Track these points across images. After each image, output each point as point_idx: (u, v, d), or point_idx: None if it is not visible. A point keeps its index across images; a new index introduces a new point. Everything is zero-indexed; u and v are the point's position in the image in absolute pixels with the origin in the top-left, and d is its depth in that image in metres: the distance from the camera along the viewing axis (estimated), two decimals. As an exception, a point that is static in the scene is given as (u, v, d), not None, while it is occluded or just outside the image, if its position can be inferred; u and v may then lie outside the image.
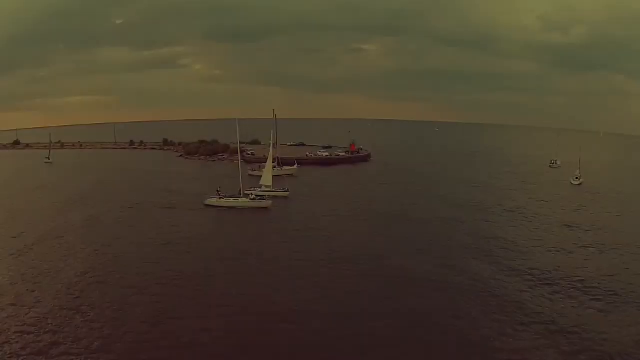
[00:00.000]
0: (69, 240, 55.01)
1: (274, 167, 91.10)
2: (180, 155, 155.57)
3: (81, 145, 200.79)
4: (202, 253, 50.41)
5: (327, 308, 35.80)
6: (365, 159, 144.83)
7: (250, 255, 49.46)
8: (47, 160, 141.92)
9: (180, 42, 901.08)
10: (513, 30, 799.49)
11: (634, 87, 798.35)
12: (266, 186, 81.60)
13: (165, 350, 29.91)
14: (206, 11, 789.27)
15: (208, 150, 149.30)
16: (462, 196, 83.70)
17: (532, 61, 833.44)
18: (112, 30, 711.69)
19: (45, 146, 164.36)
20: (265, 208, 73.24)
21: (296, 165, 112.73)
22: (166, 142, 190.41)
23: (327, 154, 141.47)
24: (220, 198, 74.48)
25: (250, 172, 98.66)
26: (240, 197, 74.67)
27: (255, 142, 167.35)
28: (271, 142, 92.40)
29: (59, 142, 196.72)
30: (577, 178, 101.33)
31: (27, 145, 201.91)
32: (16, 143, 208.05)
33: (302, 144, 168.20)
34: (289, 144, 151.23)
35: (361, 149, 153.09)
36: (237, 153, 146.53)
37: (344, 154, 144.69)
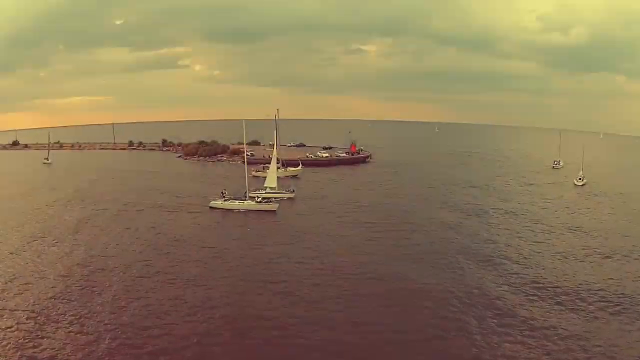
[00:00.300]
0: (59, 243, 54.25)
1: (278, 168, 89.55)
2: (179, 156, 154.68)
3: (80, 146, 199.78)
4: (207, 260, 48.26)
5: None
6: (366, 159, 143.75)
7: (257, 265, 46.57)
8: (45, 160, 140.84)
9: (180, 42, 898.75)
10: (513, 31, 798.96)
11: (635, 88, 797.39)
12: (271, 187, 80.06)
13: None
14: (206, 12, 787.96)
15: (207, 150, 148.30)
16: (465, 198, 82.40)
17: (533, 62, 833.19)
18: (111, 30, 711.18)
19: (44, 146, 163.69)
20: (272, 211, 71.25)
21: (300, 166, 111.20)
22: (165, 143, 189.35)
23: (327, 154, 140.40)
24: (225, 200, 72.89)
25: (254, 173, 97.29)
26: (245, 200, 72.99)
27: (255, 143, 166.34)
28: (275, 143, 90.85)
29: (58, 142, 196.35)
30: (580, 179, 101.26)
31: (26, 146, 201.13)
32: (15, 143, 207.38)
33: (302, 145, 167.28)
34: (288, 144, 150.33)
35: (362, 150, 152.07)
36: (237, 154, 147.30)
37: (344, 154, 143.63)
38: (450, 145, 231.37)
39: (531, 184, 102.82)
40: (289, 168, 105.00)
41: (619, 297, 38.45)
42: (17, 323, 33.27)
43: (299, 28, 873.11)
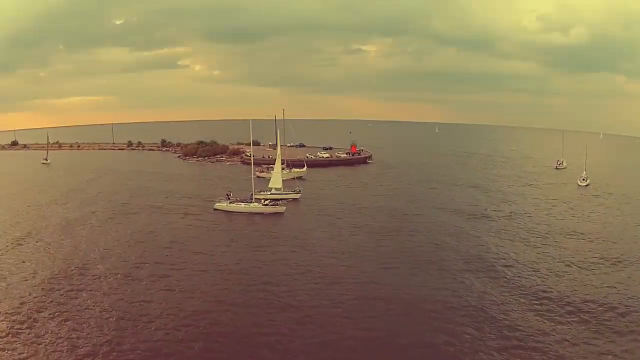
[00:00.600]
0: (49, 244, 53.65)
1: (283, 169, 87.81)
2: (179, 156, 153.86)
3: (79, 146, 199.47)
4: (210, 266, 46.32)
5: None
6: (367, 160, 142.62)
7: (261, 275, 43.54)
8: (44, 161, 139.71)
9: (180, 42, 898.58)
10: (513, 31, 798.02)
11: (634, 88, 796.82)
12: (276, 189, 78.64)
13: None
14: (206, 12, 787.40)
15: (206, 151, 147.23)
16: (467, 201, 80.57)
17: (532, 62, 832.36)
18: (112, 30, 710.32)
19: (43, 147, 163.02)
20: (280, 213, 69.62)
21: (305, 167, 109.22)
22: (164, 143, 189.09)
23: (327, 155, 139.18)
24: (230, 202, 71.07)
25: (258, 174, 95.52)
26: (252, 202, 71.08)
27: (255, 143, 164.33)
28: (278, 143, 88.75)
29: (57, 142, 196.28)
30: (583, 179, 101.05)
31: (25, 146, 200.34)
32: (14, 144, 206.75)
33: (302, 145, 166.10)
34: (288, 145, 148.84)
35: (362, 150, 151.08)
36: (237, 154, 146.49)
37: (344, 155, 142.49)
38: (451, 145, 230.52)
39: (535, 186, 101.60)
40: (293, 169, 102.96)
41: (629, 309, 36.02)
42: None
43: (298, 28, 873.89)
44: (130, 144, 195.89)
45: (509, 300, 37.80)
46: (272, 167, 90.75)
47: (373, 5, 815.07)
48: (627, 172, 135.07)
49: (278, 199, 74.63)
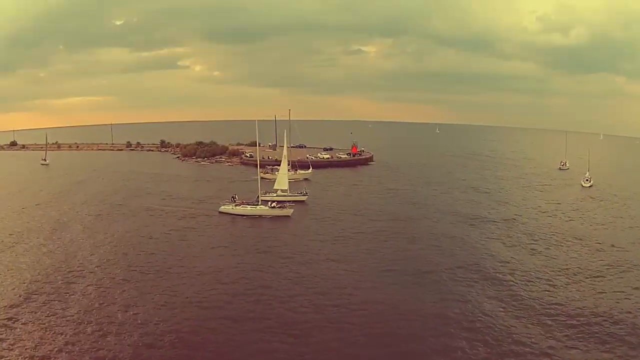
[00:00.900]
0: (37, 245, 52.86)
1: (288, 170, 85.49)
2: (177, 157, 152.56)
3: (77, 147, 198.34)
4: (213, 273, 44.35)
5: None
6: (368, 161, 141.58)
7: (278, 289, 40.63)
8: (43, 161, 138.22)
9: (180, 43, 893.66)
10: (513, 32, 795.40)
11: (634, 89, 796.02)
12: (282, 190, 76.80)
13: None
14: (206, 12, 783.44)
15: (205, 151, 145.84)
16: (470, 205, 78.63)
17: (533, 62, 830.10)
18: (111, 31, 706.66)
19: (42, 147, 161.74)
20: (287, 216, 67.63)
21: (311, 168, 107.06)
22: (163, 144, 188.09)
23: (328, 156, 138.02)
24: (236, 205, 69.14)
25: (262, 175, 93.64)
26: (258, 205, 69.09)
27: (254, 144, 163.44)
28: (285, 144, 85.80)
29: (56, 143, 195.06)
30: (587, 180, 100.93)
31: (24, 147, 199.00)
32: (13, 144, 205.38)
33: (303, 146, 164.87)
34: (288, 145, 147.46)
35: (363, 151, 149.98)
36: (236, 155, 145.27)
37: (345, 156, 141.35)
38: (452, 146, 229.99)
39: (539, 187, 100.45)
40: (299, 170, 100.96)
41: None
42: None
43: (298, 28, 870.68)
44: (129, 144, 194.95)
45: (511, 314, 35.42)
46: (276, 168, 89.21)
47: (373, 6, 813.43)
48: (630, 173, 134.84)
49: (285, 201, 72.52)
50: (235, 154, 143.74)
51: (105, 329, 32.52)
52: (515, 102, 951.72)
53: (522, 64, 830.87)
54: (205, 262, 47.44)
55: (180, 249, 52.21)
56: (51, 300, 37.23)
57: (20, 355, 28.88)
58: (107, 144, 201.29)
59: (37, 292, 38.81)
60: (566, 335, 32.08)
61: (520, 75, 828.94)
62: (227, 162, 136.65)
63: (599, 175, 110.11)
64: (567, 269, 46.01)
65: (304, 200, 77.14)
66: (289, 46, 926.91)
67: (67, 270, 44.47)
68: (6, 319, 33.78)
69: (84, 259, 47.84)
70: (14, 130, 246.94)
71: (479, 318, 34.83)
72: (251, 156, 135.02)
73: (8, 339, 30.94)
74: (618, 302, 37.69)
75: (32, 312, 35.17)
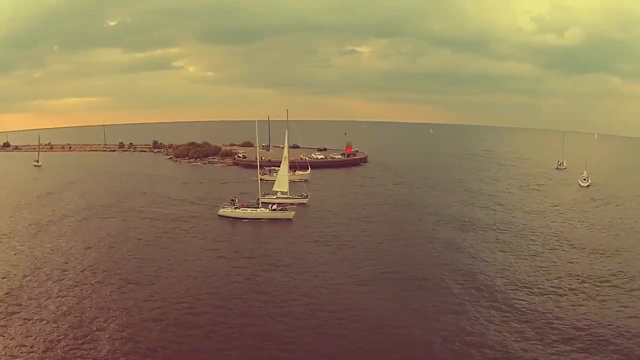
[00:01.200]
0: (33, 248, 50.97)
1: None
2: (170, 158, 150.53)
3: (70, 147, 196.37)
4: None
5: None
6: (363, 162, 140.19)
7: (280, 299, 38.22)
8: (35, 163, 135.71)
9: (174, 43, 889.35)
10: (508, 32, 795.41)
11: (630, 89, 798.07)
12: (282, 192, 74.45)
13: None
14: (201, 13, 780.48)
15: (198, 152, 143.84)
16: (466, 207, 76.03)
17: (529, 63, 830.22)
18: (106, 31, 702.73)
19: (35, 148, 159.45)
20: (289, 219, 65.41)
21: (310, 169, 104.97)
22: (156, 144, 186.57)
23: (322, 156, 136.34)
24: (235, 208, 66.64)
25: (260, 177, 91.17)
26: (258, 207, 66.84)
27: (248, 145, 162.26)
28: (286, 145, 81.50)
29: (49, 144, 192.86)
30: (585, 179, 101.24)
31: (17, 147, 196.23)
32: (5, 145, 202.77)
33: (296, 146, 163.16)
34: (282, 146, 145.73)
35: (357, 152, 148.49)
36: (229, 156, 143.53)
37: (339, 156, 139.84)
38: (448, 146, 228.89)
39: (537, 187, 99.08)
40: (297, 171, 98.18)
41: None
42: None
43: (293, 29, 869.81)
44: (121, 145, 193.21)
45: (512, 329, 32.87)
46: (274, 169, 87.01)
47: (369, 7, 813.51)
48: (627, 172, 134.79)
49: (286, 204, 70.16)
50: (228, 154, 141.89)
51: (79, 335, 31.14)
52: (511, 102, 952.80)
53: (518, 64, 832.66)
54: (206, 267, 45.75)
55: (183, 252, 50.43)
56: (26, 305, 35.91)
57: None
58: (99, 144, 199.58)
59: (12, 295, 37.66)
60: (569, 351, 30.04)
61: (516, 76, 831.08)
62: (220, 162, 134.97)
63: (597, 175, 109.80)
64: (568, 276, 43.64)
65: (304, 203, 75.03)
66: (283, 47, 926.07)
67: (45, 275, 43.00)
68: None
69: (61, 264, 46.29)
70: (7, 132, 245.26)
71: (475, 330, 32.82)
72: (244, 157, 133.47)
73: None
74: (625, 315, 35.04)
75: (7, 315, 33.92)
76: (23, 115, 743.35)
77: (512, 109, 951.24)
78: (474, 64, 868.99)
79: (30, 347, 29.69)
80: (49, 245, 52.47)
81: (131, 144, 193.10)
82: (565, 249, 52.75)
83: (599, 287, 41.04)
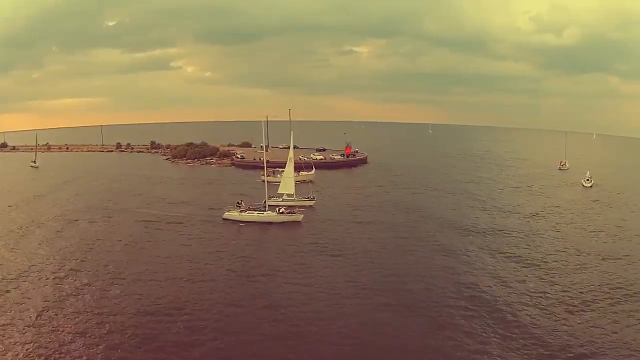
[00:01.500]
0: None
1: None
2: (167, 158, 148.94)
3: (68, 148, 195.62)
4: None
5: None
6: (363, 162, 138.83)
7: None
8: (32, 163, 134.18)
9: (172, 43, 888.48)
10: (506, 32, 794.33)
11: (628, 89, 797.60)
12: (288, 195, 71.99)
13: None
14: (199, 13, 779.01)
15: (196, 153, 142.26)
16: (469, 211, 74.01)
17: (527, 63, 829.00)
18: (104, 31, 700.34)
19: (32, 148, 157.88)
20: (297, 222, 63.23)
21: (314, 170, 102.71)
22: (153, 145, 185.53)
23: (321, 157, 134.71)
24: (242, 211, 64.41)
25: (263, 178, 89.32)
26: (265, 210, 64.65)
27: (246, 145, 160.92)
28: (291, 146, 78.60)
29: (46, 144, 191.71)
30: (588, 180, 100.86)
31: (14, 148, 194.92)
32: (3, 145, 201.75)
33: (295, 147, 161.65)
34: (280, 146, 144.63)
35: (357, 152, 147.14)
36: (227, 156, 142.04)
37: (339, 157, 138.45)
38: (448, 147, 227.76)
39: (541, 189, 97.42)
40: (301, 172, 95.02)
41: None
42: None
43: (292, 29, 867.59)
44: (119, 145, 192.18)
45: (515, 347, 30.43)
46: (278, 170, 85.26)
47: (367, 7, 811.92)
48: (627, 172, 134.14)
49: (295, 206, 67.67)
50: (226, 155, 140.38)
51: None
52: (510, 102, 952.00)
53: (516, 64, 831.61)
54: (214, 274, 44.22)
55: (192, 258, 48.78)
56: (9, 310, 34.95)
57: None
58: (97, 145, 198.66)
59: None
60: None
61: (514, 76, 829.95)
62: (217, 163, 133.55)
63: (599, 176, 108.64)
64: (576, 289, 40.25)
65: (311, 205, 72.96)
66: (282, 47, 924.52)
67: (26, 277, 42.27)
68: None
69: (49, 266, 45.41)
70: (4, 132, 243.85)
71: (476, 347, 30.71)
72: (242, 157, 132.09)
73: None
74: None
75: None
76: (21, 116, 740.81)
77: (511, 109, 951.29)
78: (472, 64, 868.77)
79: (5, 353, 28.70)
80: (37, 248, 51.53)
81: (129, 144, 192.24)
82: (573, 256, 50.59)
83: (610, 299, 38.47)
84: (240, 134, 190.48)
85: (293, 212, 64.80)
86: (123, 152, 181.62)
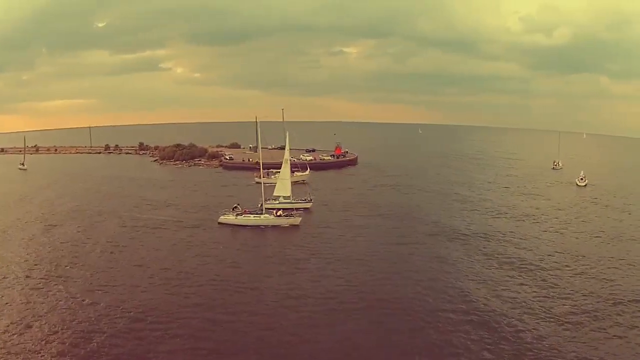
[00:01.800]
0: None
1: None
2: (155, 160, 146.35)
3: (56, 150, 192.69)
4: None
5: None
6: (353, 163, 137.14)
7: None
8: (21, 166, 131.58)
9: (162, 44, 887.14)
10: (497, 33, 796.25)
11: (618, 89, 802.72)
12: (284, 197, 69.62)
13: None
14: (188, 14, 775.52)
15: (184, 154, 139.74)
16: (462, 213, 72.01)
17: (517, 63, 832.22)
18: (94, 33, 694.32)
19: (20, 150, 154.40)
20: (295, 226, 61.37)
21: (309, 170, 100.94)
22: (142, 146, 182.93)
23: (311, 157, 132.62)
24: (238, 215, 62.19)
25: (257, 180, 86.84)
26: (262, 214, 62.63)
27: (235, 146, 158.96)
28: (287, 146, 74.32)
29: (35, 146, 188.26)
30: (582, 179, 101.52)
31: (2, 150, 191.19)
32: None
33: (284, 147, 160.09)
34: (269, 147, 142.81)
35: (347, 152, 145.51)
36: (215, 157, 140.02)
37: (329, 157, 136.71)
38: (437, 147, 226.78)
39: (535, 189, 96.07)
40: (296, 173, 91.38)
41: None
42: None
43: (282, 30, 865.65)
44: (107, 147, 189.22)
45: None
46: (272, 171, 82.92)
47: (357, 7, 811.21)
48: (620, 172, 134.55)
49: (292, 209, 65.61)
50: (214, 156, 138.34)
51: None
52: (501, 102, 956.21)
53: (507, 64, 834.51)
54: (214, 282, 41.99)
55: (189, 264, 46.87)
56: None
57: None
58: (85, 146, 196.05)
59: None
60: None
61: (505, 76, 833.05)
62: (205, 164, 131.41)
63: (592, 175, 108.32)
64: (578, 295, 38.47)
65: (308, 207, 70.92)
66: (272, 48, 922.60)
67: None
68: None
69: (28, 270, 44.00)
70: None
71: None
72: (231, 158, 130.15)
73: None
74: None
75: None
76: (11, 117, 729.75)
77: (503, 110, 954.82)
78: (463, 64, 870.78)
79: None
80: (16, 252, 50.05)
81: (117, 146, 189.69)
82: (572, 258, 49.08)
83: (610, 308, 36.25)
84: (230, 134, 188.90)
85: (291, 215, 62.86)
86: (111, 154, 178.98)
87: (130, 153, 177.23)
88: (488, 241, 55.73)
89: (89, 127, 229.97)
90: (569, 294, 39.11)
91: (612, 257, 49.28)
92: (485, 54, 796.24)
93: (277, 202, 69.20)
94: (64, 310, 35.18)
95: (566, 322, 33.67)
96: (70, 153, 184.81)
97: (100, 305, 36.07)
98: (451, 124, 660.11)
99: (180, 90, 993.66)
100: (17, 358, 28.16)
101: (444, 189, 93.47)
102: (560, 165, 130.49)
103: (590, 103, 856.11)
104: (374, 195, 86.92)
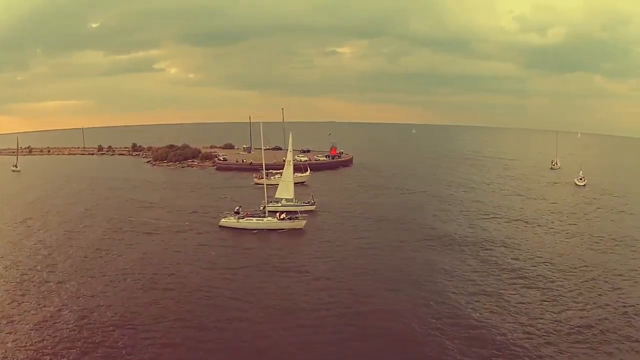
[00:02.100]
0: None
1: (279, 175, 76.18)
2: (148, 161, 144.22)
3: (49, 151, 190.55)
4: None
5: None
6: (348, 163, 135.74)
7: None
8: (14, 168, 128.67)
9: (156, 45, 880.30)
10: (491, 32, 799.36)
11: (612, 88, 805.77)
12: (287, 199, 67.47)
13: None
14: (182, 15, 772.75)
15: (177, 155, 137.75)
16: (460, 217, 69.05)
17: (511, 63, 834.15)
18: (88, 33, 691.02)
19: (13, 151, 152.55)
20: (299, 229, 59.15)
21: (309, 171, 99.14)
22: (135, 147, 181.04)
23: (306, 158, 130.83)
24: (240, 218, 60.13)
25: (256, 181, 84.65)
26: (265, 217, 60.60)
27: (229, 147, 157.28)
28: (290, 147, 71.61)
29: (28, 147, 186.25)
30: (580, 179, 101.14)
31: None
32: None
33: (279, 148, 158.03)
34: (264, 147, 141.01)
35: (342, 153, 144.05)
36: (209, 159, 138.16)
37: (324, 158, 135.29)
38: (431, 147, 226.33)
39: (534, 189, 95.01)
40: (296, 174, 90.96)
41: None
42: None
43: (276, 31, 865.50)
44: (100, 148, 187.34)
45: None
46: (271, 172, 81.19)
47: (349, 8, 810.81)
48: (617, 171, 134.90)
49: (297, 212, 63.38)
50: (208, 157, 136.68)
51: None
52: (495, 102, 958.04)
53: (500, 64, 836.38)
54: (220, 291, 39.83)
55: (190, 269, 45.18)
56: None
57: None
58: (78, 147, 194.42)
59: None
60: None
61: (499, 76, 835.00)
62: (199, 165, 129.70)
63: (590, 174, 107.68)
64: (580, 310, 35.93)
65: (312, 210, 68.67)
66: (265, 48, 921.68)
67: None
68: None
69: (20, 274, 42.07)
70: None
71: None
72: (224, 159, 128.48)
73: None
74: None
75: None
76: (6, 118, 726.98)
77: (497, 109, 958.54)
78: (457, 64, 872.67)
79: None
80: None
81: (110, 147, 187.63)
82: (577, 268, 46.35)
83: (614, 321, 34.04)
84: (223, 135, 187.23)
85: (296, 218, 60.65)
86: (104, 155, 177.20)
87: (123, 154, 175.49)
88: (490, 246, 53.73)
89: (82, 128, 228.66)
90: (574, 303, 37.20)
91: (618, 264, 47.28)
92: (479, 54, 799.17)
93: (280, 204, 67.17)
94: (42, 318, 33.67)
95: (573, 333, 31.99)
96: (63, 154, 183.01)
97: (82, 312, 34.55)
98: (446, 124, 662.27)
99: (174, 90, 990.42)
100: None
101: (442, 191, 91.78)
102: (558, 165, 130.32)
103: (585, 102, 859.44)
104: (373, 197, 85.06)
